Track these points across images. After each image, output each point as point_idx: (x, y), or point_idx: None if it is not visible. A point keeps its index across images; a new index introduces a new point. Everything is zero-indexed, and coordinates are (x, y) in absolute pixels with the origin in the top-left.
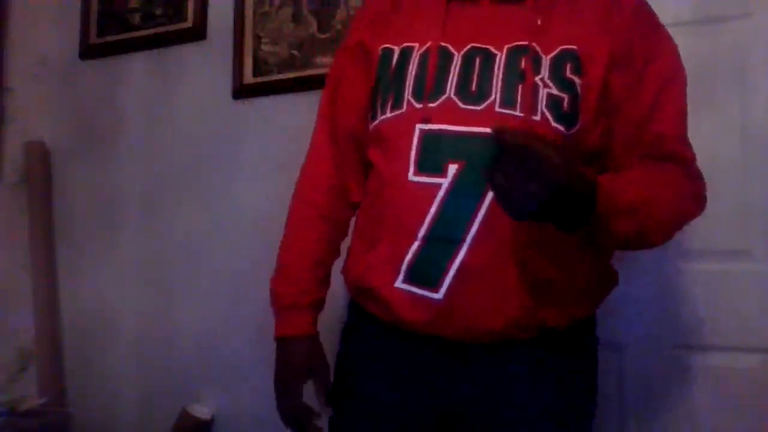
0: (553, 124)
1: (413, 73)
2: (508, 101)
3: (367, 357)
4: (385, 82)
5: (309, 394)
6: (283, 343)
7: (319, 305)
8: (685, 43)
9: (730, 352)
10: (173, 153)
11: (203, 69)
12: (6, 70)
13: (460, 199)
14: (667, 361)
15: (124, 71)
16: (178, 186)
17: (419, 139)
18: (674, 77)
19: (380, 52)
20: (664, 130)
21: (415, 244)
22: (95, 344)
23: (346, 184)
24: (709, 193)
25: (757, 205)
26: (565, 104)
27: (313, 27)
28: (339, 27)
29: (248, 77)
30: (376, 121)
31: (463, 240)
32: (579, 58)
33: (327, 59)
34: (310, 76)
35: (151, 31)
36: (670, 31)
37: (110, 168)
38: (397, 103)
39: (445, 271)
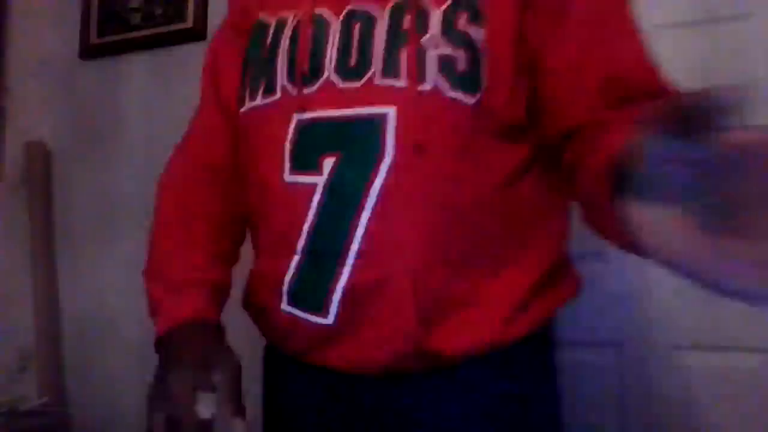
0: (449, 92)
1: (285, 50)
2: (389, 70)
3: (282, 392)
4: (256, 63)
5: None
6: (168, 340)
7: (218, 288)
8: (685, 44)
9: (730, 352)
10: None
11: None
12: (6, 70)
13: (338, 201)
14: (667, 361)
15: (124, 71)
16: None
17: (294, 131)
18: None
19: (252, 27)
20: (633, 62)
21: (295, 259)
22: (95, 344)
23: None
24: None
25: None
26: (461, 64)
27: None
28: None
29: None
30: (244, 109)
31: (345, 253)
32: (476, 4)
33: None
34: None
35: (151, 31)
36: (670, 32)
37: (111, 168)
38: (269, 90)
39: (330, 292)
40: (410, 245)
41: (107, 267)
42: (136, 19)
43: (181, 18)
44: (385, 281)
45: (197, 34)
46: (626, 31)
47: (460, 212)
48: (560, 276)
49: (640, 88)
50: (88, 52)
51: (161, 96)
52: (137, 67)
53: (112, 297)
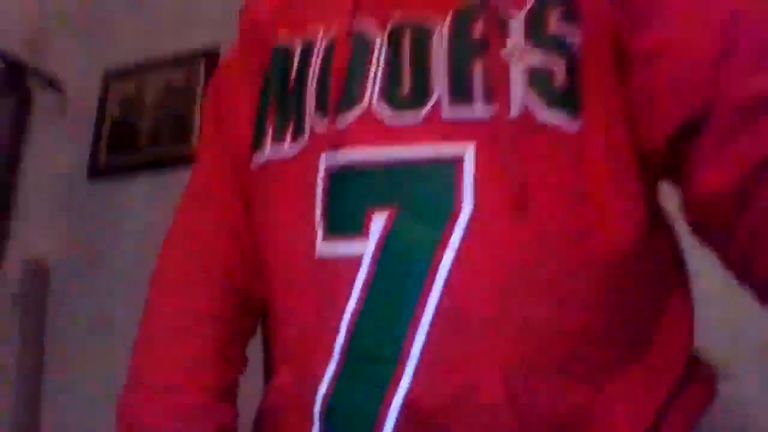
0: (545, 115)
1: (315, 78)
2: (460, 93)
3: None
4: (274, 98)
5: None
6: None
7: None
8: None
9: None
10: None
11: None
12: (16, 187)
13: (394, 278)
14: None
15: (128, 192)
16: None
17: (327, 180)
18: None
19: (272, 54)
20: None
21: (331, 367)
22: None
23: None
24: None
25: None
26: (559, 76)
27: None
28: None
29: None
30: (257, 162)
31: (405, 353)
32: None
33: None
34: None
35: (158, 153)
36: None
37: (106, 290)
38: (298, 132)
39: (383, 410)
40: (501, 341)
41: (94, 388)
42: (143, 140)
43: (186, 142)
44: (466, 393)
45: None
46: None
47: (569, 290)
48: (695, 376)
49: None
50: (97, 172)
51: (162, 218)
52: (141, 188)
53: (96, 416)
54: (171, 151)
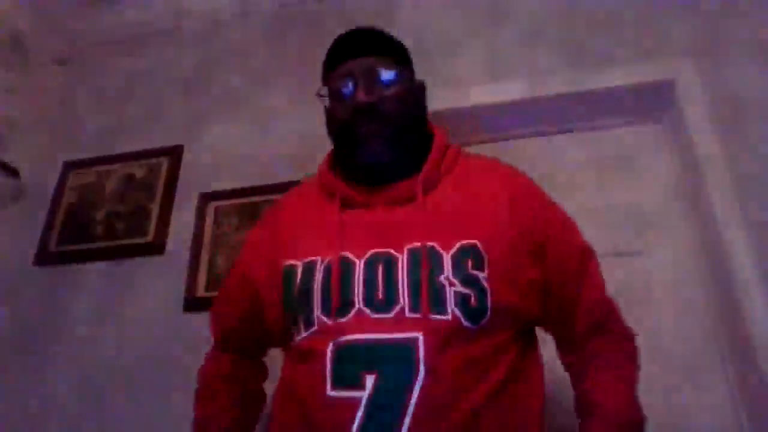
0: (464, 323)
1: (318, 289)
2: (415, 305)
3: None
4: (293, 303)
5: None
6: None
7: None
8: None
9: None
10: (116, 363)
11: (157, 281)
12: None
13: (382, 412)
14: None
15: (77, 279)
16: (117, 398)
17: (332, 353)
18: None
19: (283, 271)
20: (593, 297)
21: None
22: None
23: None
24: None
25: (679, 422)
26: (473, 300)
27: None
28: None
29: (201, 291)
30: (295, 342)
31: None
32: (480, 252)
33: None
34: None
35: (112, 243)
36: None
37: (45, 379)
38: (309, 322)
39: None
40: None
41: None
42: (98, 231)
43: (142, 233)
44: None
45: (156, 248)
46: (593, 276)
47: (477, 413)
48: None
49: (604, 318)
50: (44, 259)
51: (110, 305)
52: (91, 276)
53: None
54: (126, 241)
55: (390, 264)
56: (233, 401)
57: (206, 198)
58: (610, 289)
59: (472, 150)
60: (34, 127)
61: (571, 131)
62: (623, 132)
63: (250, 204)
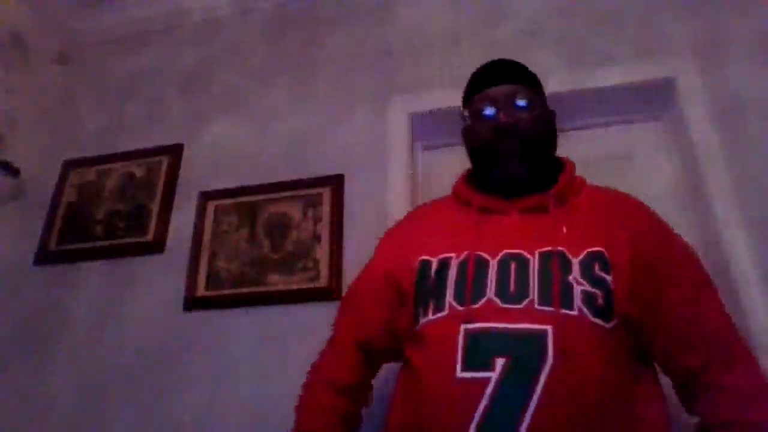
0: (592, 319)
1: (453, 279)
2: (545, 299)
3: None
4: (425, 290)
5: None
6: None
7: None
8: None
9: None
10: (116, 362)
11: (157, 280)
12: None
13: (509, 393)
14: None
15: (77, 278)
16: (117, 397)
17: (464, 338)
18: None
19: (418, 264)
20: (717, 326)
21: None
22: None
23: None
24: None
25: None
26: (600, 299)
27: (266, 248)
28: (290, 248)
29: (201, 290)
30: (419, 325)
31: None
32: (606, 259)
33: (277, 278)
34: (260, 293)
35: (112, 242)
36: None
37: (45, 379)
38: (439, 306)
39: None
40: (572, 423)
41: None
42: (98, 230)
43: (142, 232)
44: None
45: (156, 247)
46: (715, 306)
47: (606, 408)
48: None
49: (729, 351)
50: (44, 258)
51: (111, 304)
52: (92, 275)
53: None
54: (126, 240)
55: (522, 263)
56: (337, 421)
57: (206, 197)
58: None
59: None
60: (34, 126)
61: (570, 130)
62: (623, 131)
63: (250, 203)
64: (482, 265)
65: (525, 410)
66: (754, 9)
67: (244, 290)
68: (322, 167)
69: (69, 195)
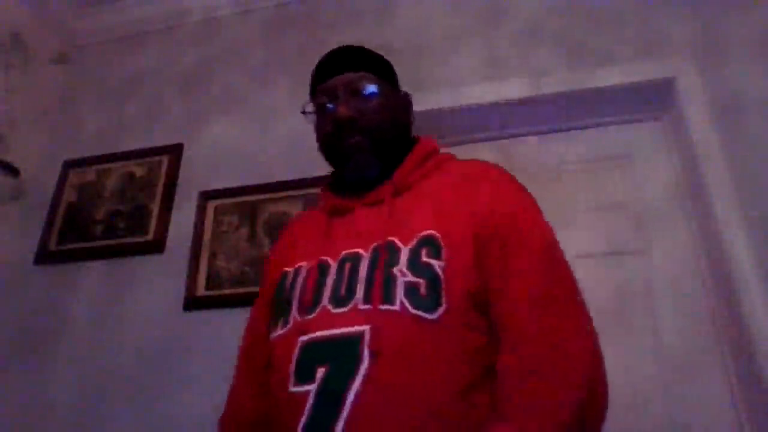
0: (413, 311)
1: (298, 290)
2: (367, 297)
3: None
4: (279, 303)
5: None
6: None
7: None
8: (599, 272)
9: None
10: (116, 362)
11: (157, 280)
12: None
13: (324, 403)
14: None
15: (78, 278)
16: (117, 397)
17: (298, 351)
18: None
19: (279, 276)
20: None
21: None
22: None
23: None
24: (631, 413)
25: (678, 420)
26: (422, 288)
27: (266, 247)
28: None
29: (200, 290)
30: (271, 338)
31: None
32: (437, 242)
33: None
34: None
35: (112, 242)
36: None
37: (45, 379)
38: (287, 321)
39: None
40: None
41: None
42: (98, 230)
43: (143, 232)
44: None
45: (156, 247)
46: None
47: (425, 412)
48: None
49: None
50: (44, 257)
51: (111, 304)
52: (92, 274)
53: None
54: (126, 240)
55: (356, 261)
56: None
57: (206, 196)
58: (610, 288)
59: (469, 148)
60: (34, 126)
61: (570, 130)
62: (623, 130)
63: (250, 202)
64: (324, 271)
65: (337, 421)
66: (754, 9)
67: (244, 290)
68: (322, 167)
69: (69, 195)
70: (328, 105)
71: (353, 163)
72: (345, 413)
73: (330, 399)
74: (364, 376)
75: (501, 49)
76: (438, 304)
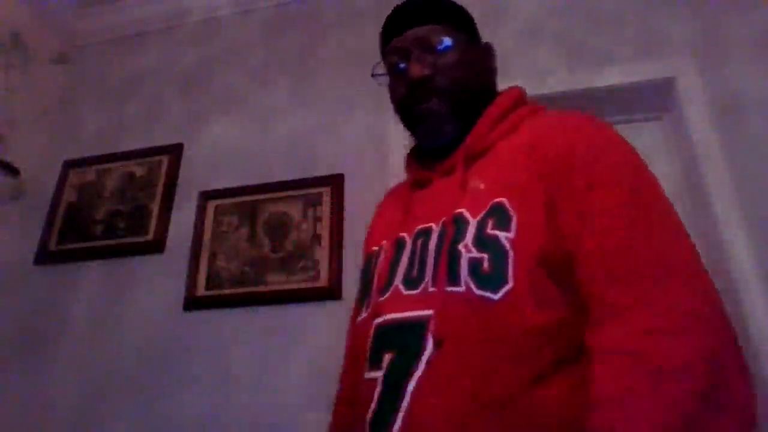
0: (477, 292)
1: (377, 270)
2: (435, 279)
3: None
4: (364, 284)
5: None
6: None
7: None
8: None
9: None
10: (116, 362)
11: (157, 280)
12: None
13: (389, 391)
14: None
15: (78, 278)
16: (118, 397)
17: (372, 335)
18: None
19: (365, 258)
20: (595, 271)
21: None
22: None
23: None
24: None
25: None
26: (486, 264)
27: (266, 247)
28: (290, 248)
29: (200, 290)
30: (356, 324)
31: None
32: (506, 210)
33: (277, 277)
34: (260, 293)
35: (112, 242)
36: None
37: (45, 379)
38: (368, 305)
39: None
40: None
41: None
42: (98, 230)
43: (143, 232)
44: None
45: (156, 247)
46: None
47: (487, 404)
48: None
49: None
50: (44, 257)
51: (111, 304)
52: (92, 274)
53: None
54: (126, 239)
55: (427, 238)
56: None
57: (206, 196)
58: None
59: None
60: (34, 126)
61: None
62: (623, 130)
63: (250, 203)
64: (400, 248)
65: (398, 410)
66: (754, 9)
67: (244, 290)
68: (322, 167)
69: (69, 195)
70: (399, 65)
71: (423, 129)
72: (404, 404)
73: (393, 388)
74: (426, 365)
75: (501, 49)
76: (504, 281)
